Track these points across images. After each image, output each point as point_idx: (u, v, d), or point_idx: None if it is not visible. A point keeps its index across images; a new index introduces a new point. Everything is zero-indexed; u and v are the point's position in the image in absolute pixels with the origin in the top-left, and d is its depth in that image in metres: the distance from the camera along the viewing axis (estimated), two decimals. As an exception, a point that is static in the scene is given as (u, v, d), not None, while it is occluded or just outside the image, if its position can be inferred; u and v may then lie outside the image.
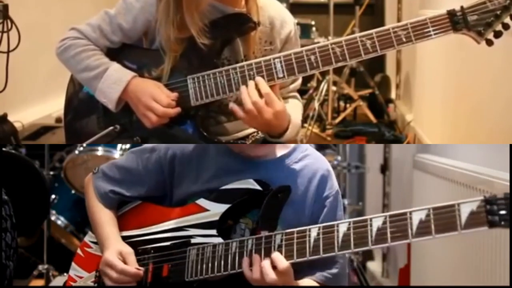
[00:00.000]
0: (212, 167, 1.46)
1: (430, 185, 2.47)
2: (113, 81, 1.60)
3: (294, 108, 1.70)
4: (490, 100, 2.36)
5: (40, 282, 2.86)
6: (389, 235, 1.19)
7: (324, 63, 1.50)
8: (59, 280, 2.82)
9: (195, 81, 1.60)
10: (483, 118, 2.45)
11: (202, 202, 1.42)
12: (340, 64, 1.50)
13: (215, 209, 1.40)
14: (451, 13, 1.43)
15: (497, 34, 1.43)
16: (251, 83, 1.52)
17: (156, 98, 1.57)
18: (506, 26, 1.42)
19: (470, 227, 1.12)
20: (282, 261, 1.29)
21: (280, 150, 1.48)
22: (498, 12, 1.40)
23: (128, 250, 1.43)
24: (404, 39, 1.45)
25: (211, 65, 1.59)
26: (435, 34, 1.44)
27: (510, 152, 1.79)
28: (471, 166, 2.10)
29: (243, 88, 1.52)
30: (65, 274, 2.84)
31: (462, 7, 1.43)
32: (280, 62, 1.53)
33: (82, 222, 3.05)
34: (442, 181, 2.31)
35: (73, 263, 1.55)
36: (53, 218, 3.01)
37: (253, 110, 1.50)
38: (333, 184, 1.46)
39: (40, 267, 2.86)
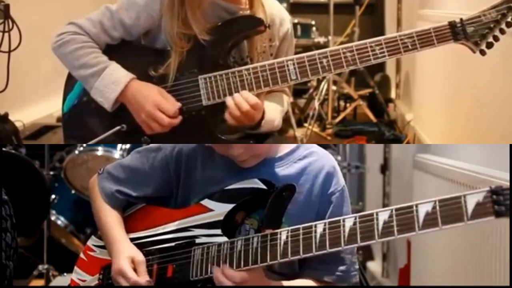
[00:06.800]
0: (216, 166, 1.46)
1: (430, 185, 2.47)
2: (111, 81, 1.58)
3: (274, 103, 1.71)
4: (488, 99, 2.37)
5: (40, 282, 2.86)
6: (395, 228, 1.20)
7: (336, 67, 1.57)
8: (59, 280, 2.82)
9: (207, 81, 1.60)
10: (481, 117, 2.45)
11: (206, 202, 1.42)
12: (351, 68, 1.58)
13: (220, 209, 1.40)
14: (452, 25, 1.56)
15: (489, 45, 1.57)
16: (237, 96, 1.56)
17: (161, 107, 1.57)
18: (496, 38, 1.57)
19: (476, 217, 1.13)
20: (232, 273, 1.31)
21: (284, 149, 1.49)
22: (491, 25, 1.55)
23: (141, 259, 1.41)
24: (410, 47, 1.56)
25: (219, 64, 1.60)
26: (438, 42, 1.56)
27: (510, 152, 1.79)
28: (471, 166, 2.10)
29: (229, 99, 1.56)
30: (65, 274, 2.85)
31: (461, 19, 1.56)
32: (293, 64, 1.57)
33: (82, 222, 3.05)
34: (442, 181, 2.31)
35: (75, 267, 1.54)
36: (53, 218, 3.01)
37: (241, 117, 1.56)
38: (339, 181, 1.46)
39: (40, 267, 2.86)
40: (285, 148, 1.49)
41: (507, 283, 1.72)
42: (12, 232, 1.49)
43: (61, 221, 3.03)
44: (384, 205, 3.40)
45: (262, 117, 1.62)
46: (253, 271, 1.33)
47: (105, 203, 1.51)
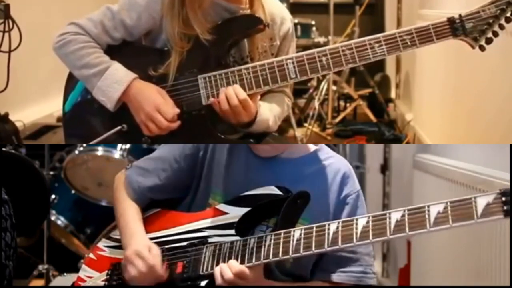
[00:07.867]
0: (241, 162, 1.48)
1: (430, 185, 2.47)
2: (114, 80, 1.59)
3: (271, 104, 1.71)
4: (488, 99, 2.37)
5: (40, 282, 2.86)
6: (407, 226, 1.23)
7: (335, 65, 1.57)
8: (59, 280, 2.82)
9: (206, 81, 1.61)
10: (481, 117, 2.45)
11: (221, 207, 1.44)
12: (350, 66, 1.58)
13: (235, 212, 1.41)
14: (451, 20, 1.55)
15: (488, 41, 1.56)
16: (229, 88, 1.56)
17: (161, 109, 1.57)
18: (495, 34, 1.56)
19: (486, 216, 1.17)
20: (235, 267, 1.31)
21: (304, 150, 1.52)
22: (491, 21, 1.54)
23: (157, 252, 1.41)
24: (409, 43, 1.55)
25: (219, 64, 1.60)
26: (437, 39, 1.55)
27: (510, 152, 1.79)
28: (471, 166, 2.10)
29: (222, 91, 1.57)
30: (65, 274, 2.84)
31: (460, 15, 1.55)
32: (293, 63, 1.57)
33: (82, 222, 3.05)
34: (442, 181, 2.31)
35: (83, 265, 1.54)
36: (53, 218, 3.00)
37: (229, 111, 1.56)
38: (355, 183, 1.49)
39: (40, 267, 2.86)
40: (304, 149, 1.52)
41: (507, 283, 1.73)
42: (12, 232, 1.48)
43: (61, 221, 3.03)
44: (384, 205, 3.40)
45: (255, 116, 1.62)
46: (254, 270, 1.33)
47: (127, 196, 1.52)
